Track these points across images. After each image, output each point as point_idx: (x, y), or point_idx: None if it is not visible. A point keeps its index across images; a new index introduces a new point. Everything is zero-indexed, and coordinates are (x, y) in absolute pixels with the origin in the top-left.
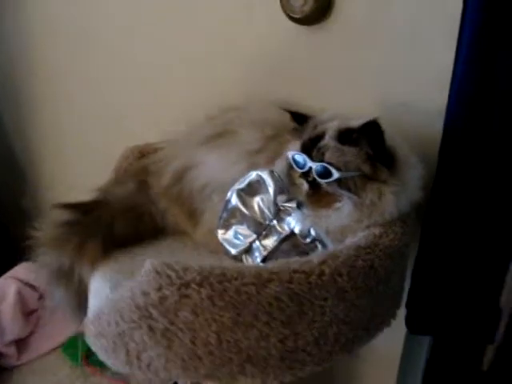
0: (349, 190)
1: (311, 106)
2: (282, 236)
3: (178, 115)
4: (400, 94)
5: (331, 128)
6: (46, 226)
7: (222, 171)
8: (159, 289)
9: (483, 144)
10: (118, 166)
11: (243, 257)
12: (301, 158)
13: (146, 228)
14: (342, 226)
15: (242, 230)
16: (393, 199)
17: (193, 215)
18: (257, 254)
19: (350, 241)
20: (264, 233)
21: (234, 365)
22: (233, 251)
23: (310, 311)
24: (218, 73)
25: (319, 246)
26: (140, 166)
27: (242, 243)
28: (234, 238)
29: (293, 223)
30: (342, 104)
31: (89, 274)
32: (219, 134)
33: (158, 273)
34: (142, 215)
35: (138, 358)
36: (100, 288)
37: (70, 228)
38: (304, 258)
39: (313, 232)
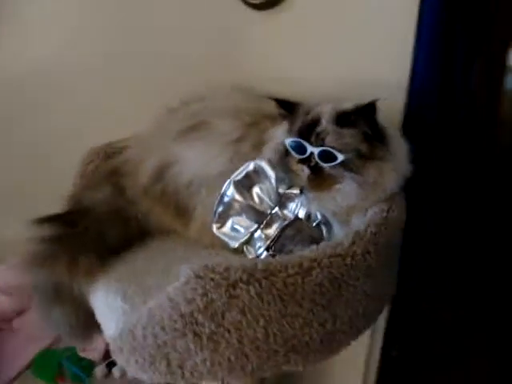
0: (351, 170)
1: (274, 89)
2: (285, 222)
3: (136, 109)
4: (360, 70)
5: (326, 112)
6: (30, 244)
7: (205, 164)
8: (205, 294)
9: (445, 118)
10: (82, 170)
11: (244, 248)
12: (299, 144)
13: (133, 232)
14: (349, 206)
15: (241, 221)
16: (393, 175)
17: (181, 212)
18: (259, 243)
19: (367, 219)
20: (265, 221)
21: (280, 356)
22: (234, 244)
23: (345, 292)
24: (175, 63)
25: (324, 228)
26: (109, 167)
27: (243, 234)
28: (231, 230)
29: (297, 208)
30: (303, 85)
31: (86, 288)
32: (192, 127)
33: (200, 277)
34: (127, 219)
35: (181, 366)
36: (109, 301)
37: (57, 243)
38: (333, 242)
39: (319, 215)
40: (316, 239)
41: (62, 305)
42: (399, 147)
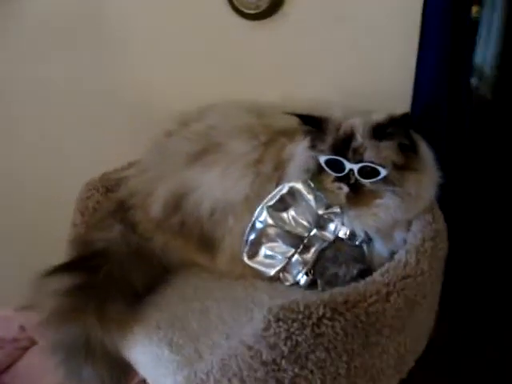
0: (391, 183)
1: (273, 101)
2: (324, 244)
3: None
4: (361, 79)
5: (359, 126)
6: (51, 298)
7: (228, 190)
8: (288, 337)
9: (452, 126)
10: (82, 207)
11: (281, 275)
12: (337, 161)
13: (156, 271)
14: (393, 221)
15: (277, 247)
16: (430, 184)
17: (206, 244)
18: (298, 268)
19: (417, 232)
20: (303, 245)
21: None
22: (270, 272)
23: (417, 312)
24: (170, 78)
25: (365, 246)
26: (113, 202)
27: (280, 261)
28: (265, 258)
29: (337, 229)
30: (304, 94)
31: (120, 341)
32: (204, 150)
33: (281, 320)
34: (148, 258)
35: None
36: (155, 354)
37: (82, 294)
38: (396, 262)
39: (361, 233)
40: (358, 259)
41: (94, 362)
42: (428, 155)
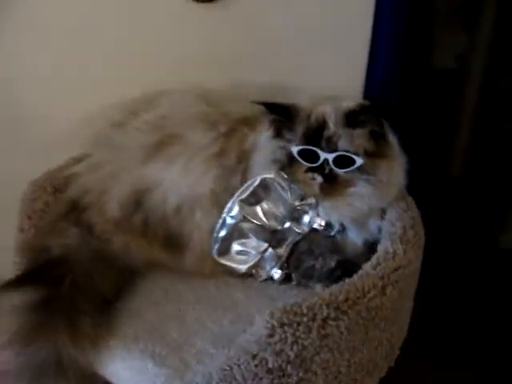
0: (367, 172)
1: (221, 87)
2: (298, 237)
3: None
4: (312, 64)
5: (330, 113)
6: (7, 317)
7: (193, 184)
8: (295, 342)
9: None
10: (29, 210)
11: (254, 271)
12: (311, 151)
13: (122, 275)
14: (369, 210)
15: (249, 242)
16: (401, 170)
17: (173, 242)
18: (271, 263)
19: (393, 220)
20: (276, 239)
21: (358, 383)
22: (242, 268)
23: (407, 301)
24: (116, 65)
25: (338, 236)
26: (64, 203)
27: (253, 256)
28: (237, 254)
29: (312, 220)
30: (252, 81)
31: (95, 358)
32: (161, 142)
33: (286, 325)
34: (112, 261)
35: None
36: (138, 369)
37: (46, 308)
38: (383, 252)
39: (337, 223)
40: (333, 250)
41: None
42: (395, 141)
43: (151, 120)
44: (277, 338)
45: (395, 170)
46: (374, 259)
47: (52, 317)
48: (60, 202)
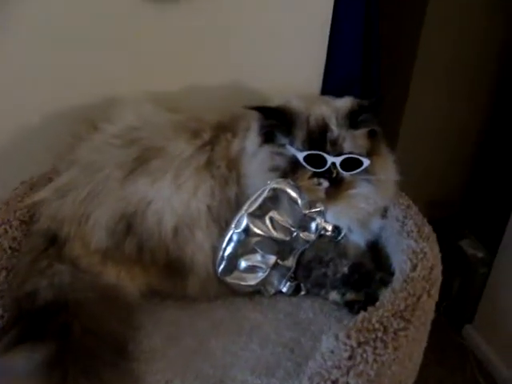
0: (368, 173)
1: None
2: (305, 246)
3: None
4: (271, 64)
5: (330, 115)
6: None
7: (187, 201)
8: (374, 360)
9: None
10: None
11: (261, 288)
12: (318, 156)
13: (126, 311)
14: (374, 210)
15: (258, 256)
16: (394, 167)
17: (174, 267)
18: (279, 276)
19: (396, 216)
20: (284, 250)
21: None
22: (251, 284)
23: None
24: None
25: (342, 241)
26: (39, 236)
27: (263, 271)
28: (244, 271)
29: (319, 226)
30: (212, 84)
31: None
32: (142, 158)
33: (363, 343)
34: (114, 299)
35: None
36: None
37: (59, 365)
38: (409, 251)
39: (345, 227)
40: (342, 254)
41: None
42: (383, 138)
43: (122, 133)
44: (358, 359)
45: (389, 166)
46: (406, 260)
47: (71, 374)
48: (33, 237)
